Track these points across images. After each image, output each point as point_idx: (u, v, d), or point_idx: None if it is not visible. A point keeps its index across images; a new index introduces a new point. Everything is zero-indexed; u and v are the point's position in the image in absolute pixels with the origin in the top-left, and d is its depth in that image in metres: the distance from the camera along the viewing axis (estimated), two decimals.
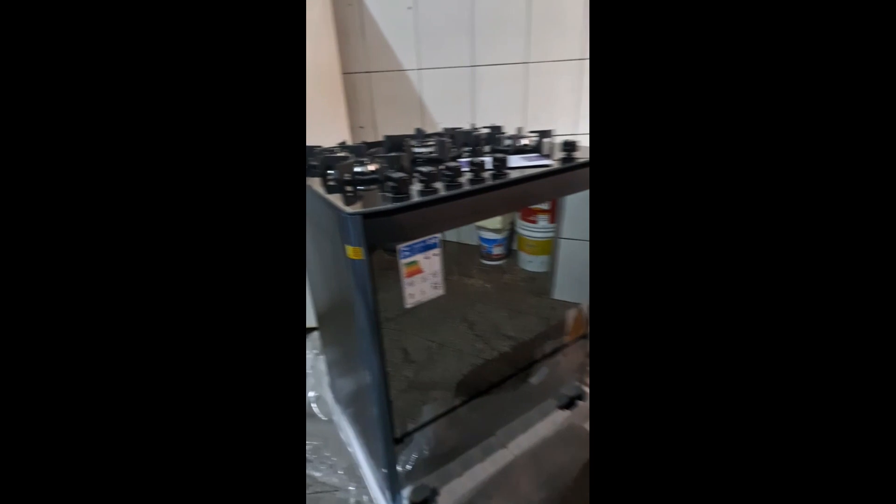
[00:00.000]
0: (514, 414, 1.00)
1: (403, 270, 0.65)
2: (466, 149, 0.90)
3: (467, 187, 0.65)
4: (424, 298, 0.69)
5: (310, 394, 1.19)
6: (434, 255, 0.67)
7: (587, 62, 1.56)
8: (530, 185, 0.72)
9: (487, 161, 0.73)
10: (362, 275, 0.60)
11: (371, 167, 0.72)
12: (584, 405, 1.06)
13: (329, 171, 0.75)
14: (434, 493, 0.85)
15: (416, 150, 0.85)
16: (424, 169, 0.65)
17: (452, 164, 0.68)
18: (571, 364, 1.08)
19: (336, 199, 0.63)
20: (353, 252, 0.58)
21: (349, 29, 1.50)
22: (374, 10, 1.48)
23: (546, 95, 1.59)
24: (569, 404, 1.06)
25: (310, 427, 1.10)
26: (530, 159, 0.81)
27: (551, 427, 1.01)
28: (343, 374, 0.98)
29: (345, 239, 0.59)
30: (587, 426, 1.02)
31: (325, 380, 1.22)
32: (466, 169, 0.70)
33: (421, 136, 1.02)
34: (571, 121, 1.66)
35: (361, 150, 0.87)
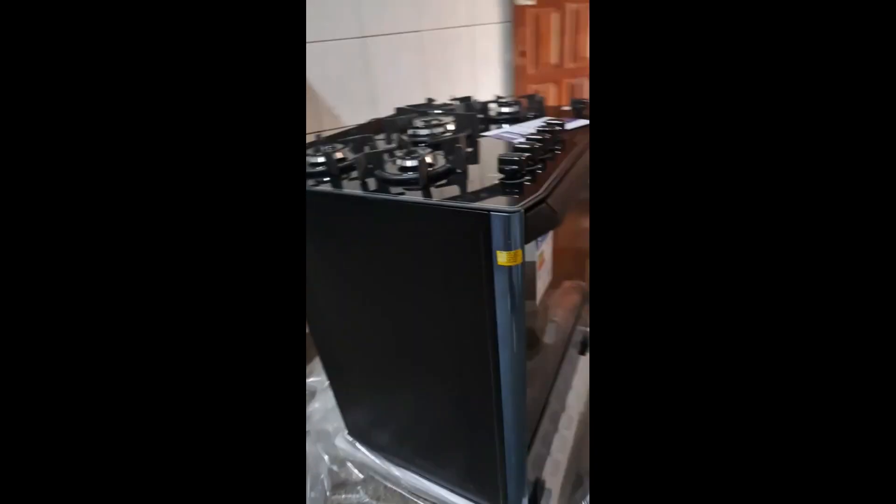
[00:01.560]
0: (552, 375, 1.03)
1: (536, 264, 0.57)
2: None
3: (566, 161, 0.60)
4: (543, 288, 0.62)
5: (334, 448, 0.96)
6: (548, 241, 0.61)
7: (479, 27, 1.57)
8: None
9: (532, 129, 0.67)
10: (518, 283, 0.50)
11: (427, 158, 0.58)
12: None
13: (381, 171, 0.58)
14: (538, 483, 0.82)
15: (422, 131, 0.73)
16: (526, 145, 0.56)
17: (536, 136, 0.61)
18: (570, 310, 1.16)
19: (441, 199, 0.49)
20: (511, 258, 0.48)
21: None
22: None
23: (444, 65, 1.55)
24: (584, 349, 1.14)
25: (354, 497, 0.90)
26: (565, 121, 0.79)
27: (586, 374, 1.07)
28: (403, 410, 0.81)
29: (497, 244, 0.47)
30: None
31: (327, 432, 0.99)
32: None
33: (418, 115, 0.87)
34: (470, 90, 1.67)
35: (366, 141, 0.69)
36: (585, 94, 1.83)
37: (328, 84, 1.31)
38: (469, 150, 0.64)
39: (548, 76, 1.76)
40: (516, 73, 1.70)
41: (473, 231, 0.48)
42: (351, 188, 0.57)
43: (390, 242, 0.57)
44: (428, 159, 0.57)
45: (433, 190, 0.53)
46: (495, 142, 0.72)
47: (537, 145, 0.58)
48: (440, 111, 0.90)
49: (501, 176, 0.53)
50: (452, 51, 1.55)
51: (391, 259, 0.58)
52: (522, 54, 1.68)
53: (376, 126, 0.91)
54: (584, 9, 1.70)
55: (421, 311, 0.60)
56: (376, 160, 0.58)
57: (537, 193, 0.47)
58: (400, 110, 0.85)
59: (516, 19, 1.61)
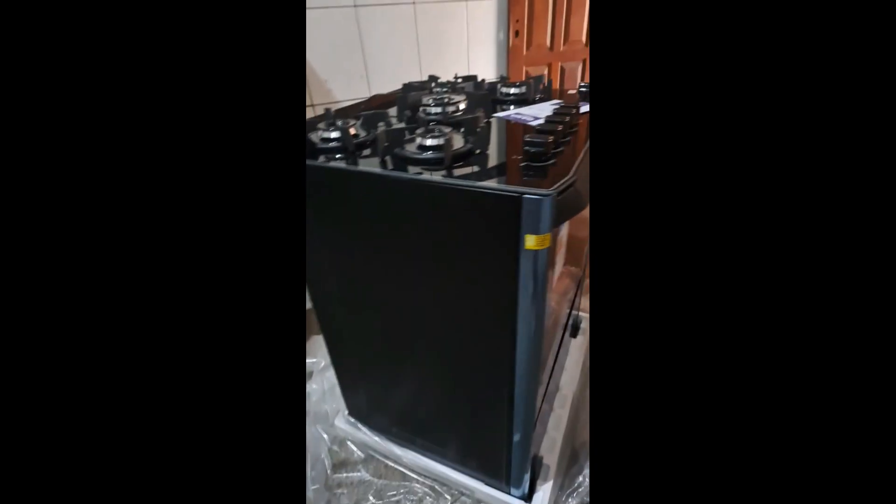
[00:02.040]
0: (549, 357, 1.06)
1: (555, 248, 0.57)
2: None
3: (586, 144, 0.60)
4: (556, 273, 0.63)
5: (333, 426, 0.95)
6: (565, 226, 0.61)
7: (473, 3, 1.53)
8: None
9: (545, 112, 0.67)
10: (542, 267, 0.50)
11: (437, 140, 0.56)
12: (584, 327, 1.20)
13: (401, 149, 0.56)
14: (536, 458, 0.85)
15: (432, 109, 0.71)
16: (547, 128, 0.56)
17: (555, 118, 0.60)
18: (564, 294, 1.19)
19: (468, 180, 0.48)
20: (539, 241, 0.48)
21: None
22: None
23: (438, 42, 1.50)
24: (575, 332, 1.18)
25: (355, 474, 0.90)
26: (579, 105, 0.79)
27: (577, 355, 1.11)
28: (410, 390, 0.82)
29: (527, 228, 0.47)
30: None
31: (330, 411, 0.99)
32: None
33: (427, 92, 0.84)
34: (462, 68, 1.64)
35: (380, 118, 0.67)
36: (577, 77, 1.83)
37: (319, 55, 1.25)
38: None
39: (540, 58, 1.74)
40: (509, 54, 1.68)
41: (503, 214, 0.47)
42: (367, 166, 0.55)
43: (410, 222, 0.56)
44: (439, 140, 0.56)
45: (457, 171, 0.52)
46: (510, 123, 0.71)
47: (559, 128, 0.58)
48: (447, 89, 0.88)
49: (526, 158, 0.53)
50: (446, 27, 1.51)
51: (410, 239, 0.57)
52: (516, 34, 1.66)
53: (381, 101, 0.88)
54: None
55: (438, 291, 0.60)
56: (396, 138, 0.56)
57: (568, 177, 0.47)
58: (407, 86, 0.83)
59: None
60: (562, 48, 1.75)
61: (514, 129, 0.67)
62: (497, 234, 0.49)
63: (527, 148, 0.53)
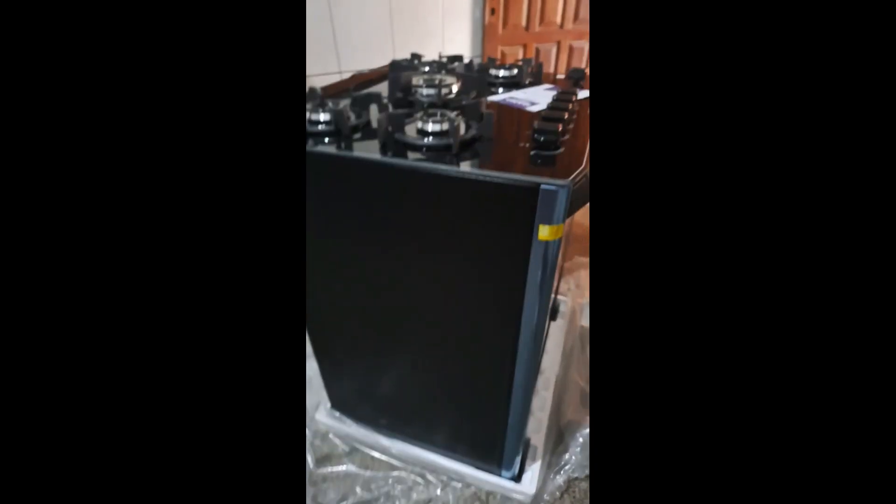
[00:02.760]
0: None
1: (564, 238, 0.56)
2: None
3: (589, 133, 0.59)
4: (560, 262, 0.63)
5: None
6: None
7: None
8: None
9: (542, 97, 0.66)
10: (553, 257, 0.49)
11: (442, 125, 0.54)
12: (562, 311, 1.23)
13: (402, 134, 0.52)
14: (525, 440, 0.87)
15: (425, 91, 0.68)
16: (552, 115, 0.54)
17: (558, 105, 0.59)
18: None
19: (480, 168, 0.46)
20: (552, 232, 0.47)
21: None
22: None
23: (412, 17, 1.43)
24: (554, 314, 1.21)
25: (339, 469, 0.88)
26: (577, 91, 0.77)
27: (558, 337, 1.13)
28: (402, 378, 0.80)
29: (542, 218, 0.46)
30: (580, 322, 1.20)
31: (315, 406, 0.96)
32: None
33: (414, 72, 0.79)
34: (437, 43, 1.58)
35: (372, 99, 0.62)
36: (552, 59, 1.82)
37: None
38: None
39: (516, 38, 1.71)
40: (485, 33, 1.64)
41: (518, 204, 0.46)
42: (364, 151, 0.52)
43: (413, 210, 0.53)
44: (441, 124, 0.54)
45: (465, 158, 0.50)
46: (508, 108, 0.69)
47: (564, 115, 0.56)
48: (432, 66, 0.84)
49: (535, 146, 0.51)
50: (421, 2, 1.44)
51: (411, 226, 0.54)
52: (492, 12, 1.61)
53: (363, 80, 0.82)
54: None
55: (440, 278, 0.58)
56: (398, 122, 0.52)
57: (582, 167, 0.46)
58: (394, 65, 0.78)
59: None
60: (537, 29, 1.73)
61: (513, 115, 0.65)
62: (509, 224, 0.48)
63: (536, 136, 0.51)
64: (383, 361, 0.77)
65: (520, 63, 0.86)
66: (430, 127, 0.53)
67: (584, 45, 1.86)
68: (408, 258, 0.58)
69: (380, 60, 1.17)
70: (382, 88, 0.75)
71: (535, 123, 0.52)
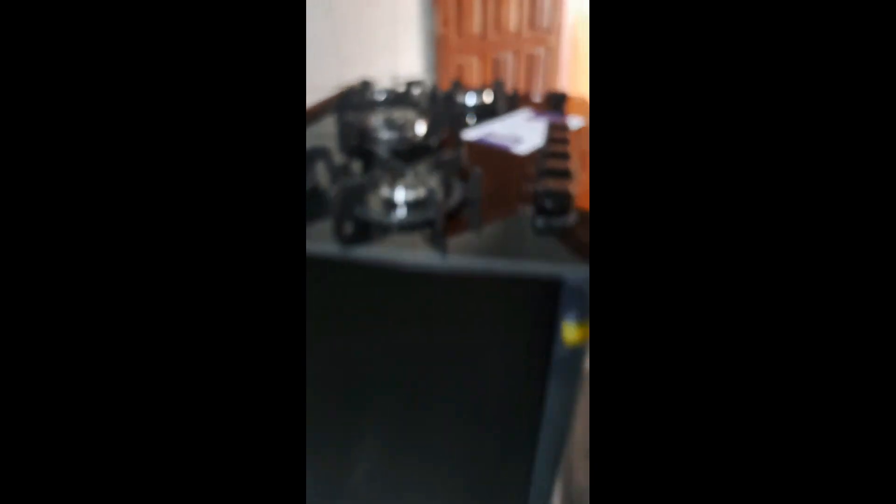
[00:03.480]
0: None
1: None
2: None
3: None
4: None
5: None
6: None
7: None
8: None
9: (522, 129, 0.54)
10: (580, 364, 0.38)
11: (417, 192, 0.41)
12: None
13: (364, 208, 0.39)
14: None
15: (385, 134, 0.55)
16: (555, 165, 0.43)
17: (554, 145, 0.47)
18: None
19: (475, 255, 0.34)
20: (580, 332, 0.35)
21: None
22: None
23: (360, 29, 1.29)
24: None
25: None
26: (565, 119, 0.66)
27: None
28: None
29: (568, 315, 0.34)
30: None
31: None
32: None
33: (368, 106, 0.65)
34: (390, 61, 1.45)
35: (318, 154, 0.48)
36: (510, 69, 1.73)
37: None
38: (471, 167, 0.48)
39: (471, 48, 1.61)
40: (439, 43, 1.52)
41: (532, 301, 0.34)
42: (313, 238, 0.38)
43: (387, 312, 0.40)
44: (432, 186, 0.41)
45: (455, 240, 0.37)
46: (490, 151, 0.56)
47: (567, 164, 0.45)
48: (388, 96, 0.71)
49: (541, 211, 0.39)
50: (368, 11, 1.30)
51: (383, 333, 0.41)
52: (445, 23, 1.50)
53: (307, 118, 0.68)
54: None
55: (439, 384, 0.45)
56: (356, 194, 0.39)
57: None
58: (342, 100, 0.64)
59: None
60: (494, 38, 1.64)
61: (499, 161, 0.53)
62: (521, 329, 0.36)
63: (541, 202, 0.39)
64: (371, 452, 0.63)
65: (491, 86, 0.75)
66: (403, 195, 0.40)
67: (542, 52, 1.78)
68: (390, 362, 0.44)
69: (322, 78, 1.02)
70: (329, 129, 0.61)
71: (537, 183, 0.40)
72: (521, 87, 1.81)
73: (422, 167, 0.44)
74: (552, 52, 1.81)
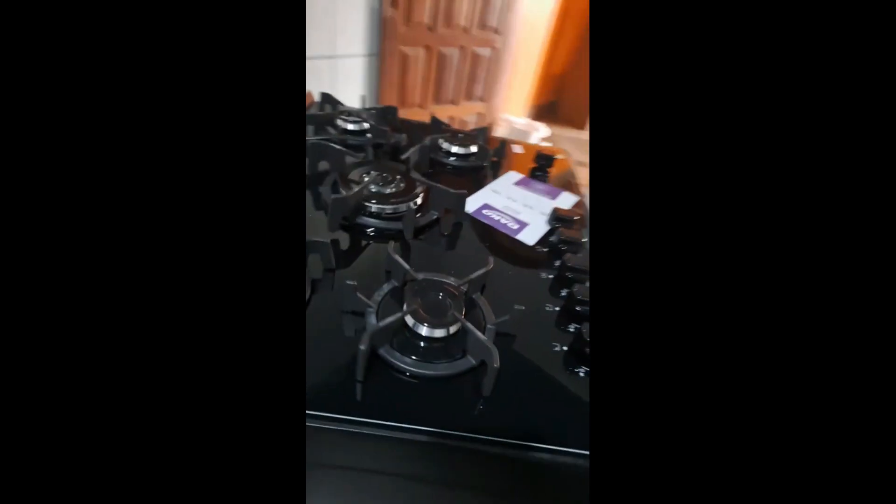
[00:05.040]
0: None
1: None
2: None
3: None
4: None
5: None
6: None
7: None
8: None
9: (528, 202, 0.52)
10: None
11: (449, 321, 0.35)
12: None
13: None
14: None
15: (383, 209, 0.47)
16: (578, 298, 0.40)
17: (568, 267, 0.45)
18: None
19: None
20: None
21: None
22: None
23: None
24: None
25: None
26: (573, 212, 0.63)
27: None
28: None
29: None
30: None
31: None
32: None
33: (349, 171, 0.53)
34: (328, 39, 1.25)
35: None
36: (455, 66, 1.64)
37: None
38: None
39: (419, 38, 1.48)
40: (385, 27, 1.36)
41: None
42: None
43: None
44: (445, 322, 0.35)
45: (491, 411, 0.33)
46: (489, 231, 0.52)
47: (578, 276, 0.43)
48: (356, 129, 0.61)
49: (577, 352, 0.37)
50: None
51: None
52: (394, 4, 1.34)
53: None
54: None
55: None
56: (382, 336, 0.32)
57: None
58: (315, 148, 0.52)
59: None
60: (443, 30, 1.53)
61: (503, 245, 0.49)
62: None
63: (578, 342, 0.37)
64: None
65: (474, 134, 0.69)
66: (428, 332, 0.34)
67: (488, 52, 1.73)
68: None
69: None
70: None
71: (573, 324, 0.37)
72: (464, 86, 1.74)
73: (436, 289, 0.37)
74: (497, 54, 1.77)
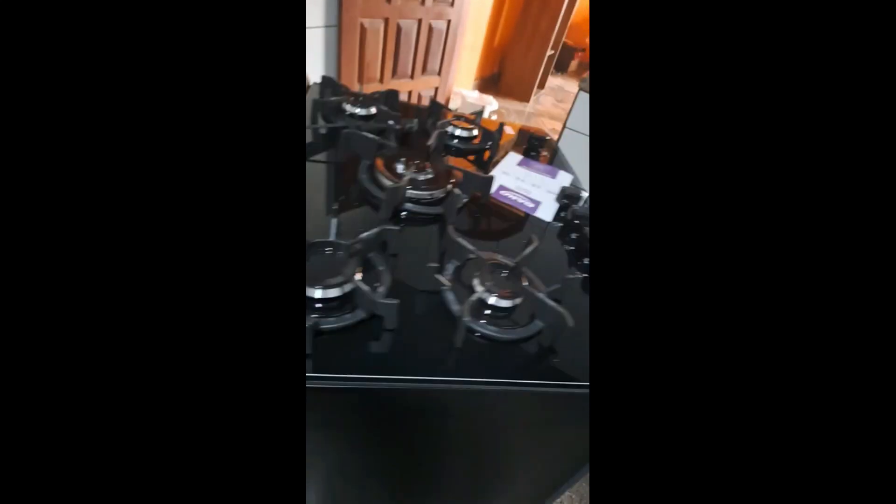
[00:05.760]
0: None
1: None
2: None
3: None
4: None
5: None
6: None
7: None
8: None
9: (533, 182, 0.58)
10: None
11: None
12: None
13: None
14: None
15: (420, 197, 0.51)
16: None
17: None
18: None
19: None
20: None
21: None
22: None
23: None
24: None
25: None
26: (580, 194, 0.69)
27: None
28: None
29: None
30: None
31: None
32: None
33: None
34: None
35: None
36: (413, 40, 1.62)
37: None
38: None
39: (377, 10, 1.44)
40: None
41: None
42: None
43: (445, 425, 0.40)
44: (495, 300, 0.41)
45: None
46: (509, 209, 0.57)
47: None
48: (364, 114, 0.62)
49: None
50: None
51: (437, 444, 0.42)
52: None
53: None
54: None
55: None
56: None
57: None
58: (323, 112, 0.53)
59: None
60: (399, 2, 1.49)
61: (529, 227, 0.55)
62: None
63: None
64: None
65: (476, 118, 0.73)
66: (503, 303, 0.40)
67: (443, 25, 1.72)
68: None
69: None
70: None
71: None
72: (421, 59, 1.73)
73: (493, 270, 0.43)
74: (452, 28, 1.77)
